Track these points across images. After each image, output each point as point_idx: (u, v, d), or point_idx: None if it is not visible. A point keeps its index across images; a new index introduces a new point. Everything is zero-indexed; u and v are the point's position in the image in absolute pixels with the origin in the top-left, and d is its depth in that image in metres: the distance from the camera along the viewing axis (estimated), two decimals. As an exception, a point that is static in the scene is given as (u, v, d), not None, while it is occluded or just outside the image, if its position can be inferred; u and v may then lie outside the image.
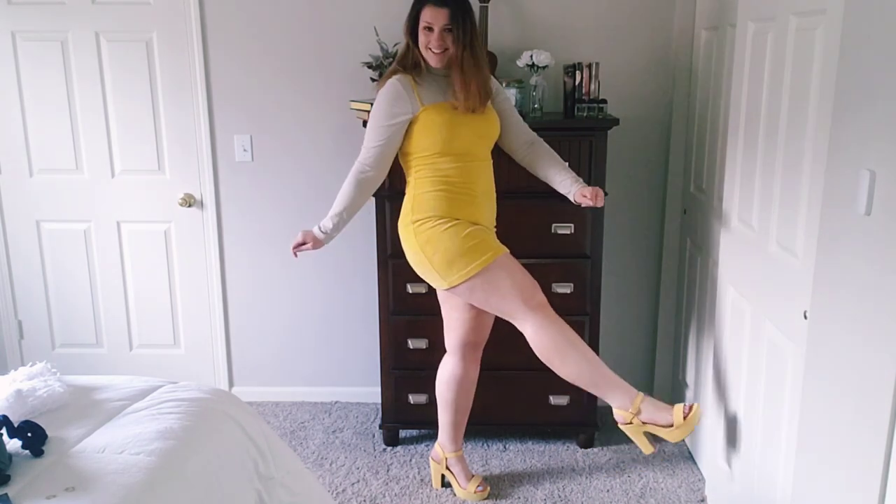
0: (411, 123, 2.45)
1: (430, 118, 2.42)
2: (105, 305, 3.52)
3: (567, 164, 2.64)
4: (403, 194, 2.59)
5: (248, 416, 2.08)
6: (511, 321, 2.47)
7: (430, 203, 2.45)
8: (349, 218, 2.54)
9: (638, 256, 3.33)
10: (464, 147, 2.45)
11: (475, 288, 2.43)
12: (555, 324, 2.39)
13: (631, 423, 2.34)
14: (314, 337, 3.50)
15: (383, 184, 2.86)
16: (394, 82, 2.43)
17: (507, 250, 2.50)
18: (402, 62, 2.47)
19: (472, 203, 2.47)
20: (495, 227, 2.62)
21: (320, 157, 3.31)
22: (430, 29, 2.40)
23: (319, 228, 2.54)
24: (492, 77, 2.57)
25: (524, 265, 2.83)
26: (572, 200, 2.55)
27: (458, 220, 2.44)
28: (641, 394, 2.34)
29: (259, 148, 3.32)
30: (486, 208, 2.54)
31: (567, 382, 2.98)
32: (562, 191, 2.58)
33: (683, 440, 3.12)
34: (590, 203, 2.48)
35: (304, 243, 2.55)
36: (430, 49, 2.41)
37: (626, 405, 2.33)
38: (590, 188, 2.50)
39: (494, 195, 2.58)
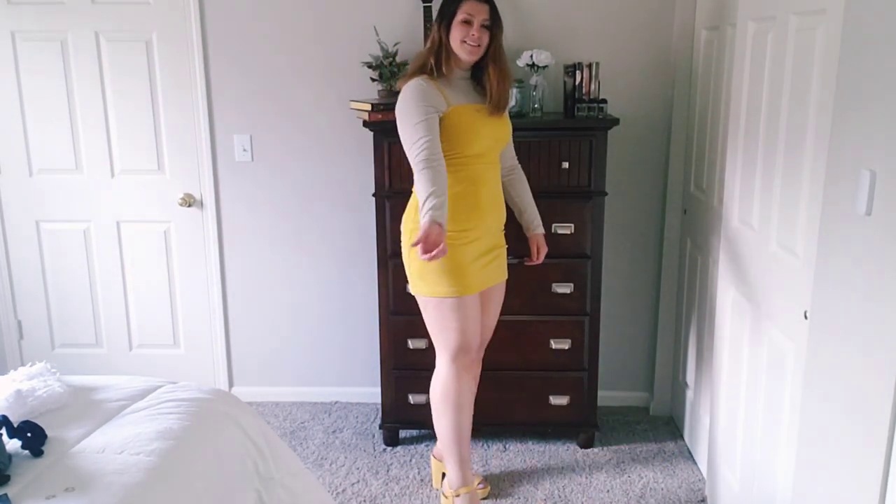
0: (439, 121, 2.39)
1: (457, 118, 2.39)
2: (105, 305, 3.52)
3: (533, 202, 2.71)
4: (403, 194, 2.59)
5: (248, 417, 2.08)
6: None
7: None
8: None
9: (638, 256, 3.33)
10: (481, 149, 2.44)
11: (427, 307, 2.51)
12: (459, 385, 2.52)
13: (447, 497, 2.62)
14: (314, 337, 3.50)
15: (383, 184, 2.87)
16: (419, 81, 2.38)
17: (476, 293, 2.48)
18: (428, 58, 2.42)
19: (475, 208, 2.45)
20: (503, 229, 2.62)
21: (320, 157, 3.31)
22: (468, 23, 2.37)
23: (435, 221, 2.22)
24: None
25: (525, 265, 2.84)
26: (526, 233, 2.72)
27: (453, 231, 2.40)
28: (469, 487, 2.58)
29: (259, 148, 3.31)
30: (491, 212, 2.51)
31: (567, 383, 3.01)
32: (523, 223, 2.71)
33: (684, 441, 3.13)
34: (532, 258, 2.71)
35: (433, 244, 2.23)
36: (467, 42, 2.38)
37: (452, 484, 2.60)
38: (542, 244, 2.70)
39: (502, 198, 2.58)
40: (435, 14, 2.50)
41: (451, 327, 2.47)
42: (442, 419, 2.57)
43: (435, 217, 2.22)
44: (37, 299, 3.53)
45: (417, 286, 2.50)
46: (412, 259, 2.46)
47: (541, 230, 2.70)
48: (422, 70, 2.43)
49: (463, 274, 2.44)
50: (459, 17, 2.38)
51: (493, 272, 2.57)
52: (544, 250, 2.71)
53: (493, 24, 2.42)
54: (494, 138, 2.48)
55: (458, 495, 2.59)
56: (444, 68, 2.43)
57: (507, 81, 2.47)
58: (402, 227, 2.54)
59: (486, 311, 2.64)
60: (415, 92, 2.36)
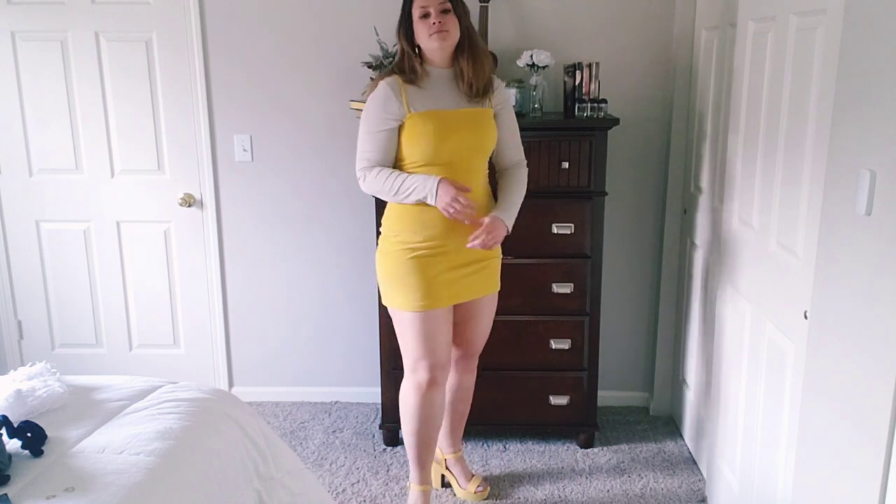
0: (400, 129, 2.31)
1: (417, 126, 2.28)
2: (105, 305, 3.52)
3: (517, 197, 2.43)
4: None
5: (248, 416, 2.08)
6: None
7: (397, 215, 2.36)
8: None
9: (638, 256, 3.33)
10: (449, 158, 2.29)
11: (392, 316, 2.47)
12: (422, 398, 2.45)
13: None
14: (314, 337, 3.50)
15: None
16: (382, 85, 2.30)
17: (444, 307, 2.38)
18: (399, 68, 2.34)
19: (444, 219, 2.29)
20: None
21: (320, 157, 3.31)
22: (426, 15, 2.26)
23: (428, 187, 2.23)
24: (497, 80, 2.45)
25: (524, 265, 2.84)
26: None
27: (419, 242, 2.32)
28: (423, 486, 2.58)
29: (259, 148, 3.31)
30: (463, 225, 2.31)
31: (567, 383, 3.01)
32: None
33: (684, 441, 3.13)
34: (476, 238, 2.28)
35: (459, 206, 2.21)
36: (433, 33, 2.24)
37: (410, 476, 2.61)
38: (492, 228, 2.29)
39: (488, 208, 2.41)
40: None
41: (408, 341, 2.41)
42: (403, 422, 2.55)
43: (422, 186, 2.23)
44: (37, 299, 3.53)
45: (382, 295, 2.46)
46: (379, 266, 2.44)
47: (499, 214, 2.34)
48: (391, 73, 2.33)
49: (425, 288, 2.34)
50: (416, 13, 2.27)
51: (474, 286, 2.44)
52: (492, 233, 2.29)
53: (456, 6, 2.28)
54: (466, 146, 2.32)
55: (409, 487, 2.64)
56: (417, 72, 2.31)
57: (484, 64, 2.33)
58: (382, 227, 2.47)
59: (472, 324, 2.54)
60: (376, 99, 2.30)
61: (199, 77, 3.24)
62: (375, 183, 2.32)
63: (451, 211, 2.23)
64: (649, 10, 3.09)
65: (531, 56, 2.92)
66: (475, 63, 2.32)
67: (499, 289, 2.55)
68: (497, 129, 2.41)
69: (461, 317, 2.52)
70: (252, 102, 3.27)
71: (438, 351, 2.41)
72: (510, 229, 2.36)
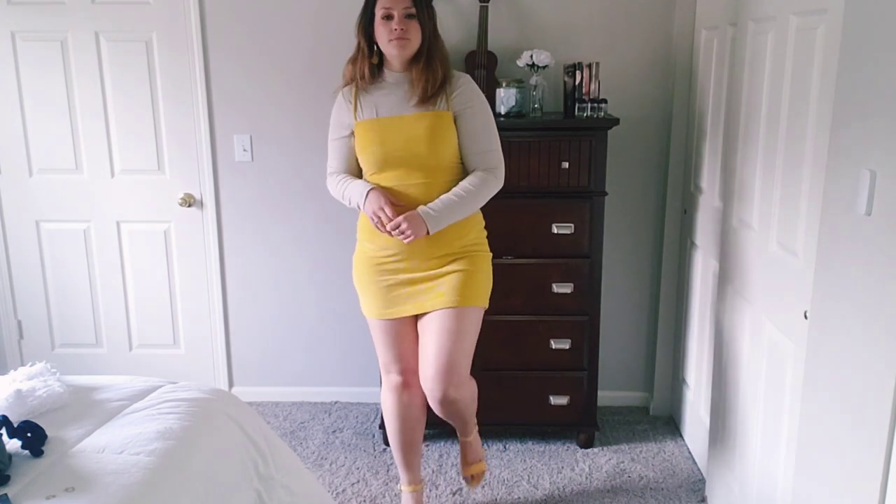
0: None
1: (362, 135, 2.27)
2: (105, 305, 3.52)
3: (457, 198, 2.21)
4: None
5: (248, 416, 2.08)
6: None
7: (360, 222, 2.39)
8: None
9: (638, 256, 3.33)
10: (400, 165, 2.23)
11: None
12: (398, 399, 2.48)
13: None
14: (314, 337, 3.50)
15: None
16: (340, 95, 2.34)
17: (402, 318, 2.34)
18: (353, 69, 2.28)
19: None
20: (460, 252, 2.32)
21: (320, 157, 3.27)
22: (389, 17, 2.17)
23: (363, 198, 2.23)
24: (463, 79, 2.30)
25: (524, 265, 2.84)
26: None
27: (378, 253, 2.31)
28: (411, 487, 2.57)
29: (259, 148, 3.31)
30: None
31: (567, 383, 3.01)
32: None
33: (684, 441, 3.13)
34: (397, 227, 2.16)
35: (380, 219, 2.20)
36: (393, 39, 2.17)
37: (404, 482, 2.59)
38: (407, 222, 2.15)
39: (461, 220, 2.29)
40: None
41: (379, 346, 2.44)
42: (385, 423, 2.58)
43: (356, 193, 2.25)
44: (37, 299, 3.53)
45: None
46: (354, 270, 2.44)
47: (422, 210, 2.18)
48: (346, 82, 2.32)
49: (388, 298, 2.33)
50: (378, 14, 2.18)
51: (431, 299, 2.29)
52: (405, 227, 2.15)
53: (420, 13, 2.18)
54: (414, 154, 2.21)
55: (400, 489, 2.63)
56: (366, 78, 2.25)
57: (435, 74, 2.21)
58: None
59: (427, 340, 2.32)
60: (334, 110, 2.36)
61: (199, 77, 3.24)
62: (330, 188, 2.40)
63: (376, 220, 2.20)
64: (649, 9, 3.09)
65: (531, 56, 2.92)
66: (427, 72, 2.21)
67: (474, 304, 2.31)
68: (458, 132, 2.27)
69: (423, 333, 2.35)
70: (252, 102, 3.27)
71: (407, 356, 2.43)
72: (430, 230, 2.18)
